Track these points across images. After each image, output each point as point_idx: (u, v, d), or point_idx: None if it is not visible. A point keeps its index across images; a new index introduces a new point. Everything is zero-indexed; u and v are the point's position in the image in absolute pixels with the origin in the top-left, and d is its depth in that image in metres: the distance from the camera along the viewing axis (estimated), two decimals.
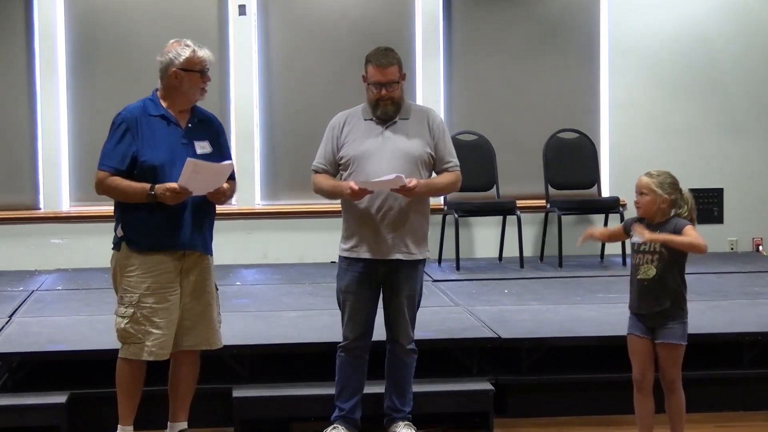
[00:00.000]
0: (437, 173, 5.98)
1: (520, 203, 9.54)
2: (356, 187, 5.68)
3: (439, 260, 9.57)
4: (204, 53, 5.58)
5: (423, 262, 5.98)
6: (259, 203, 9.90)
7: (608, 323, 7.01)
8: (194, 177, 5.38)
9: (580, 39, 10.21)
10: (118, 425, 5.69)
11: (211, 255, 5.72)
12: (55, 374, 6.46)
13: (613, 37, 10.14)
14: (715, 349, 6.80)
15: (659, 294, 5.50)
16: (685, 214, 5.56)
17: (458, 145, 9.76)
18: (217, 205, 5.69)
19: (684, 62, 10.19)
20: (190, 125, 5.62)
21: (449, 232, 9.49)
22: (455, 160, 5.94)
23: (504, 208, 9.55)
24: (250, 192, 9.84)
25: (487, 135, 9.85)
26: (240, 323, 7.12)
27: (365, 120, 5.90)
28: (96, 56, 9.78)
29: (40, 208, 9.80)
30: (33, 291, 8.47)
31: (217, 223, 5.74)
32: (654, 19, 10.16)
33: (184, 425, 5.80)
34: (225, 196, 5.61)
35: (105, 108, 5.67)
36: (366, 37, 9.58)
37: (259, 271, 9.42)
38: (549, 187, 9.79)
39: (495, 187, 9.77)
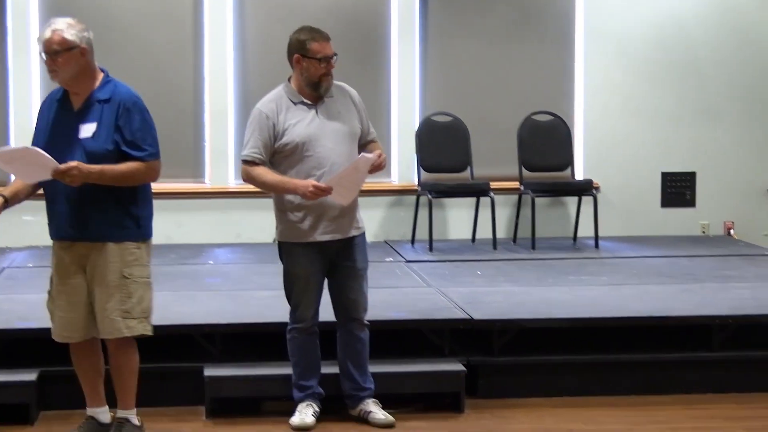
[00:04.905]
0: (362, 146, 6.00)
1: (493, 185, 9.53)
2: (324, 186, 5.66)
3: (413, 241, 9.56)
4: (40, 35, 5.32)
5: None
6: (232, 183, 9.86)
7: (580, 305, 7.04)
8: (17, 164, 5.29)
9: (555, 21, 10.20)
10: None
11: (110, 242, 5.38)
12: (26, 352, 6.42)
13: (588, 20, 10.13)
14: (686, 331, 6.84)
15: None
16: None
17: (433, 126, 9.84)
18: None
19: (659, 46, 10.20)
20: (82, 107, 5.42)
21: (422, 213, 9.49)
22: (373, 130, 6.10)
23: (478, 190, 9.55)
24: (224, 171, 9.77)
25: (462, 116, 9.84)
26: (212, 302, 7.11)
27: (295, 104, 5.88)
28: None
29: None
30: (4, 268, 8.43)
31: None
32: (629, 3, 10.16)
33: (124, 413, 5.57)
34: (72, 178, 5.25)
35: None
36: (342, 18, 9.53)
37: (231, 250, 9.40)
38: (523, 169, 9.78)
39: (469, 168, 9.76)
